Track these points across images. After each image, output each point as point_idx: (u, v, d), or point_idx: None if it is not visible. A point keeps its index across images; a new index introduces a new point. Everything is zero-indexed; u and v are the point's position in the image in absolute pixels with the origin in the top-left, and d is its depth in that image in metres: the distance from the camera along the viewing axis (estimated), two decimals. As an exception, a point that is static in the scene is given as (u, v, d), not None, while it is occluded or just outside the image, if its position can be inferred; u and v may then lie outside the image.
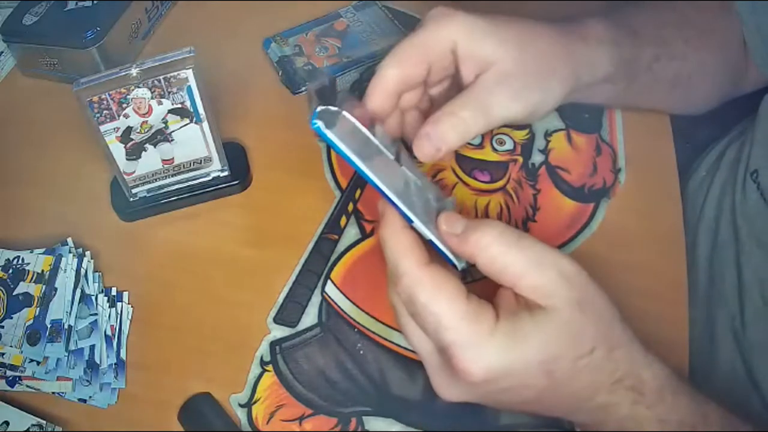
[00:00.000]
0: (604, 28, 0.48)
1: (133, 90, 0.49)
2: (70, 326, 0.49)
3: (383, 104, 0.44)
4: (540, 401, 0.39)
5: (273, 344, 0.51)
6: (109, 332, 0.50)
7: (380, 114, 0.45)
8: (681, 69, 0.54)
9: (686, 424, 0.39)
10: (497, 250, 0.38)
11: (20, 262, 0.52)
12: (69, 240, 0.54)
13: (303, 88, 0.64)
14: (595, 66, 0.48)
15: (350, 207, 0.57)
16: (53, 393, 0.48)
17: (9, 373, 0.48)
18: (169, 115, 0.52)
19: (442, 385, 0.40)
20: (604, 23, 0.49)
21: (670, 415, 0.39)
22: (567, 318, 0.37)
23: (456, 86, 0.46)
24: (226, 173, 0.57)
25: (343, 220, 0.56)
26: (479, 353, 0.36)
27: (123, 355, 0.50)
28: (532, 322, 0.37)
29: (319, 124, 0.37)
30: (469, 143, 0.59)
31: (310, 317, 0.52)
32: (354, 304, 0.52)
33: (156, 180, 0.56)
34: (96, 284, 0.52)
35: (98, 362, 0.49)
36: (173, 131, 0.53)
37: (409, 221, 0.40)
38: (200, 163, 0.56)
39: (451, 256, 0.40)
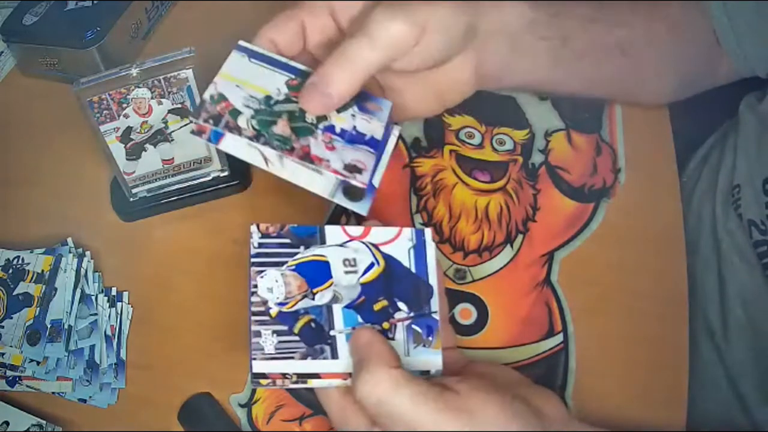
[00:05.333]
0: None
1: (133, 90, 0.49)
2: (70, 326, 0.49)
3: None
4: None
5: (273, 344, 0.51)
6: (109, 332, 0.50)
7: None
8: (626, 37, 0.50)
9: None
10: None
11: (20, 262, 0.52)
12: (69, 240, 0.54)
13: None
14: (504, 8, 0.44)
15: (350, 207, 0.57)
16: (53, 393, 0.48)
17: (9, 373, 0.48)
18: (169, 115, 0.52)
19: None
20: None
21: None
22: None
23: None
24: (226, 173, 0.57)
25: (343, 220, 0.56)
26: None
27: (123, 355, 0.50)
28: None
29: None
30: (468, 143, 0.59)
31: (310, 317, 0.52)
32: (354, 304, 0.52)
33: (156, 180, 0.56)
34: (96, 284, 0.52)
35: (98, 362, 0.49)
36: (173, 131, 0.53)
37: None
38: (200, 163, 0.56)
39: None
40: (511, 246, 0.55)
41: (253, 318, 0.38)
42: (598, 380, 0.49)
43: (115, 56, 0.64)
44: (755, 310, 0.54)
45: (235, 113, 0.39)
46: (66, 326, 0.49)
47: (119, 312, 0.52)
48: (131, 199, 0.56)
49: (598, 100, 0.61)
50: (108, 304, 0.52)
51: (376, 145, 0.41)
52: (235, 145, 0.39)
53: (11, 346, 0.48)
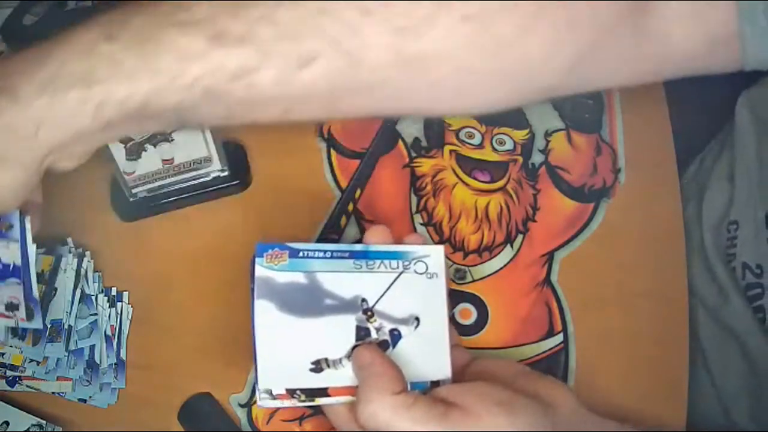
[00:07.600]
0: None
1: (133, 90, 0.49)
2: (70, 326, 0.49)
3: None
4: None
5: (273, 344, 0.51)
6: (109, 332, 0.50)
7: None
8: None
9: None
10: None
11: (20, 262, 0.52)
12: (69, 240, 0.54)
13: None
14: None
15: (350, 207, 0.57)
16: (53, 393, 0.48)
17: (9, 373, 0.48)
18: (169, 115, 0.52)
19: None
20: None
21: None
22: None
23: None
24: (226, 173, 0.57)
25: (343, 220, 0.56)
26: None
27: (123, 355, 0.50)
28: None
29: None
30: (468, 143, 0.59)
31: (310, 317, 0.52)
32: (354, 304, 0.52)
33: (156, 180, 0.56)
34: (96, 284, 0.52)
35: (98, 362, 0.49)
36: (173, 131, 0.53)
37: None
38: (200, 163, 0.56)
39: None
40: (511, 246, 0.55)
41: None
42: (598, 380, 0.49)
43: (115, 56, 0.64)
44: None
45: None
46: (66, 326, 0.49)
47: (119, 312, 0.52)
48: (131, 199, 0.56)
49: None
50: (108, 304, 0.51)
51: (20, 273, 0.39)
52: None
53: (11, 346, 0.48)
